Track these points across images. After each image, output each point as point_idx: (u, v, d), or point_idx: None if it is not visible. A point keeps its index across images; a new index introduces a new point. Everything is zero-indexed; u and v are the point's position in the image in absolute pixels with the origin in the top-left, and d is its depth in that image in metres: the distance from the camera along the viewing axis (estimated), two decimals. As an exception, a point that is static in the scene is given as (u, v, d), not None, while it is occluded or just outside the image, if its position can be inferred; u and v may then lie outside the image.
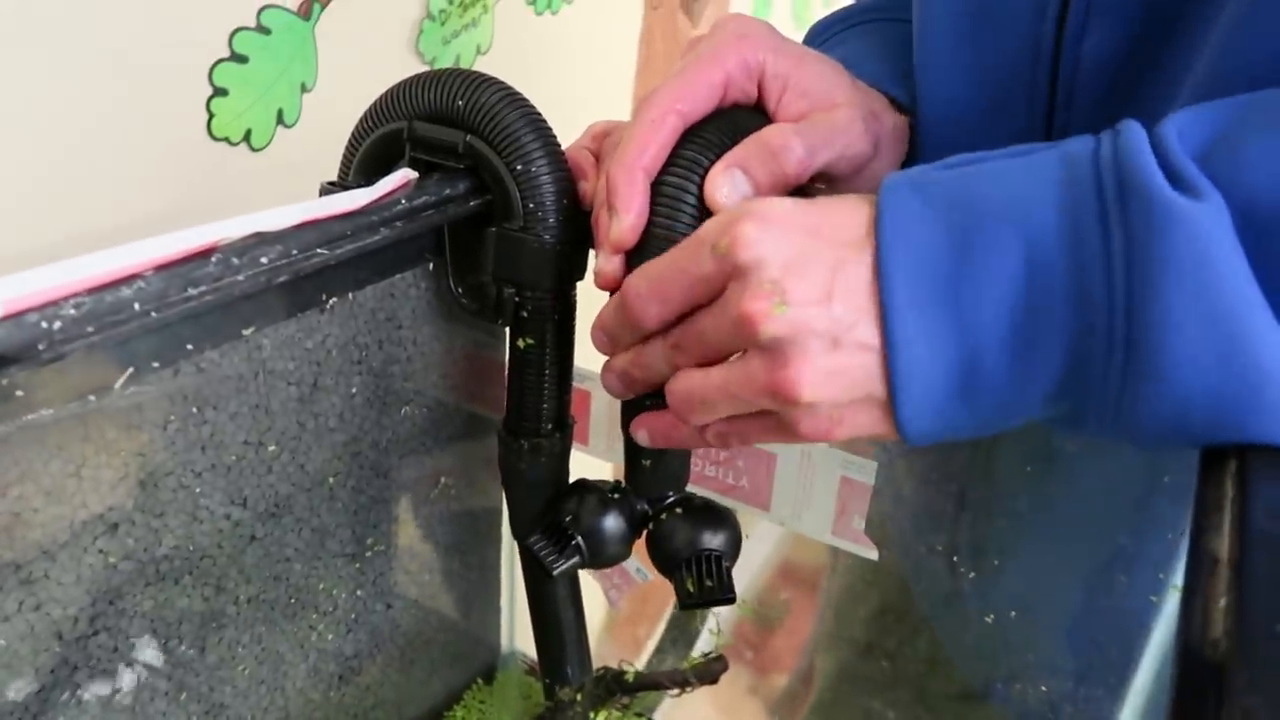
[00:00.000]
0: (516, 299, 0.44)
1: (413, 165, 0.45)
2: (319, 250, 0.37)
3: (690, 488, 0.51)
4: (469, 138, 0.43)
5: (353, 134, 0.46)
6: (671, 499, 0.44)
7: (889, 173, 0.35)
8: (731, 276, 0.35)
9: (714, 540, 0.42)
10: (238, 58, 0.64)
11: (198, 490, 0.39)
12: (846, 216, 0.34)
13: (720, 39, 0.43)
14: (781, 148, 0.39)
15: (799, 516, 0.48)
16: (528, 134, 0.42)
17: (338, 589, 0.47)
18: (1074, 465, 0.47)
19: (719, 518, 0.43)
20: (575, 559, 0.43)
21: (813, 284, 0.33)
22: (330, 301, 0.41)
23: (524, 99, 0.44)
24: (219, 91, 0.63)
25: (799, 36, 0.55)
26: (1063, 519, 0.50)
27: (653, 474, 0.44)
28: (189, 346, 0.36)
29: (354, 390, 0.44)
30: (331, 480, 0.44)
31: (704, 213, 0.39)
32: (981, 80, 0.45)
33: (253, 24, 0.64)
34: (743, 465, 0.48)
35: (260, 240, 0.35)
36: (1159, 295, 0.29)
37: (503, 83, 0.44)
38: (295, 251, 0.37)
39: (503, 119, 0.42)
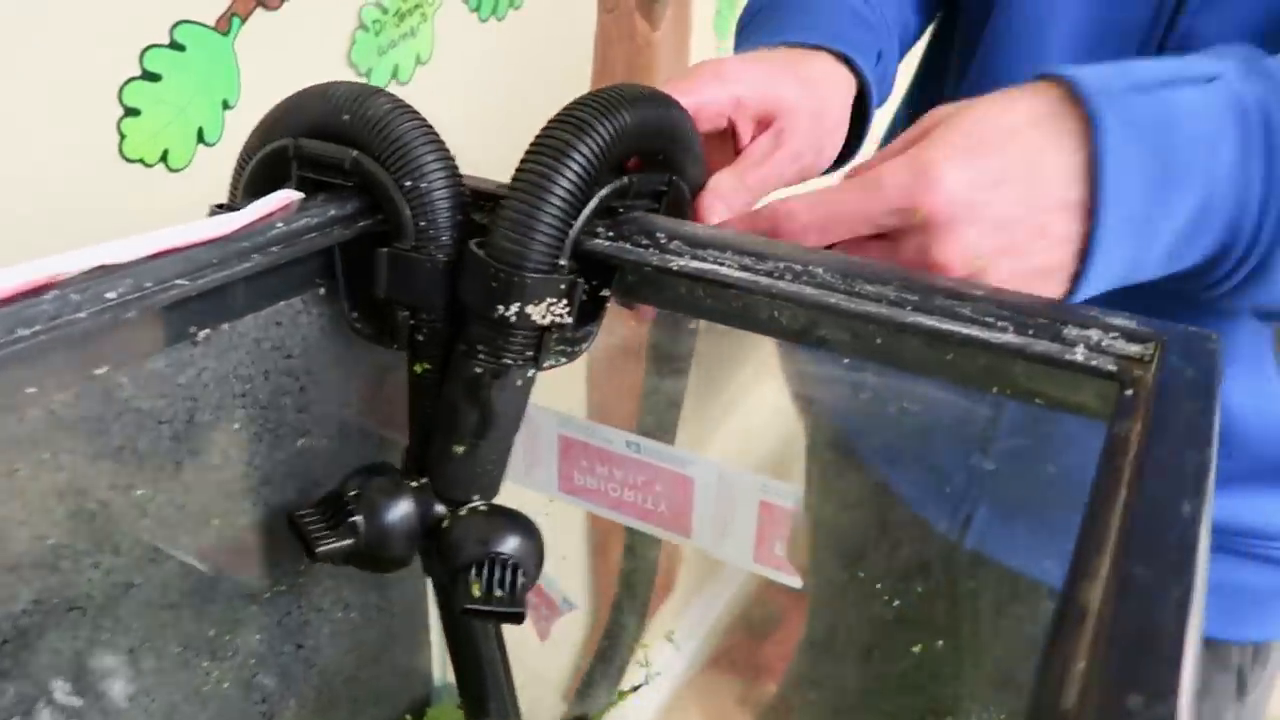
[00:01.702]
0: (411, 322, 0.42)
1: (300, 185, 0.42)
2: (178, 281, 0.35)
3: (607, 514, 0.49)
4: (356, 154, 0.40)
5: (240, 153, 0.44)
6: (475, 503, 0.41)
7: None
8: (920, 231, 0.37)
9: (511, 546, 0.38)
10: (149, 75, 0.62)
11: (53, 540, 0.36)
12: (1053, 168, 0.36)
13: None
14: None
15: (720, 543, 0.45)
16: (418, 148, 0.40)
17: (236, 634, 0.45)
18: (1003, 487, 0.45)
19: (522, 526, 0.40)
20: (348, 541, 0.38)
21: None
22: (200, 334, 0.38)
23: (414, 111, 0.41)
24: (130, 111, 0.61)
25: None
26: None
27: (460, 470, 0.40)
28: (30, 390, 0.33)
29: (237, 425, 0.42)
30: (217, 520, 0.42)
31: None
32: None
33: (165, 40, 0.62)
34: (660, 490, 0.46)
35: (105, 273, 0.33)
36: None
37: (392, 95, 0.41)
38: (149, 284, 0.34)
39: (391, 132, 0.40)
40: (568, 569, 0.52)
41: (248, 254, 0.38)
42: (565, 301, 0.38)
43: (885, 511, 0.52)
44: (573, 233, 0.38)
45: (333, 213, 0.41)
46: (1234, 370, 0.48)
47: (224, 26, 0.66)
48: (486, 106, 0.93)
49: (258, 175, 0.43)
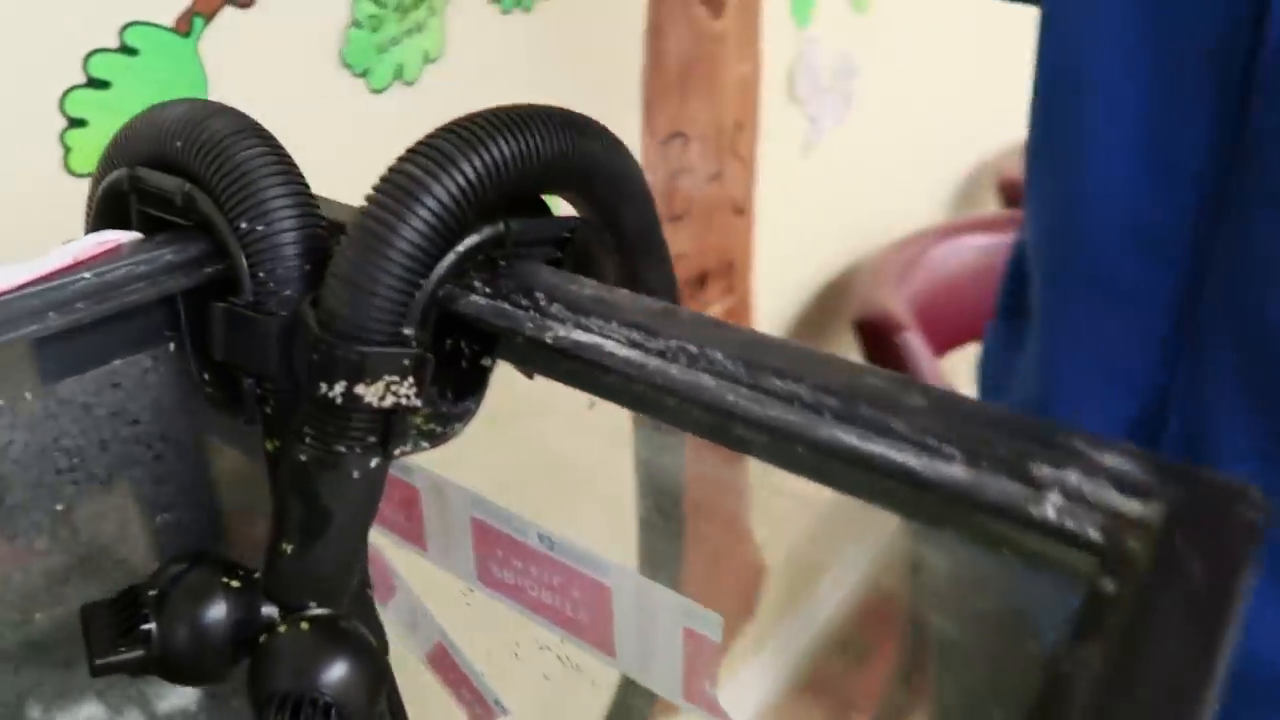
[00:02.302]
0: (258, 391, 0.35)
1: (142, 223, 0.36)
2: (-67, 350, 0.29)
3: (528, 615, 0.41)
4: (188, 187, 0.34)
5: (90, 184, 0.38)
6: (312, 611, 0.33)
7: None
8: None
9: (334, 677, 0.30)
10: (96, 83, 0.57)
11: None
12: None
13: None
14: None
15: (646, 668, 0.37)
16: (258, 180, 0.33)
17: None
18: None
19: (355, 649, 0.31)
20: (136, 653, 0.31)
21: None
22: (-8, 406, 0.32)
23: (262, 134, 0.34)
24: (75, 122, 0.57)
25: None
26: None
27: (288, 571, 0.32)
28: None
29: (62, 506, 0.36)
30: (39, 615, 0.36)
31: None
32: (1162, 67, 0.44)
33: (114, 44, 0.57)
34: (579, 596, 0.38)
35: None
36: None
37: (239, 115, 0.34)
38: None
39: (226, 162, 0.33)
40: (507, 664, 0.44)
41: (39, 313, 0.31)
42: (411, 380, 0.31)
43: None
44: (421, 295, 0.30)
45: (169, 258, 0.34)
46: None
47: (184, 28, 0.60)
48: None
49: (102, 212, 0.37)
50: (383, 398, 0.30)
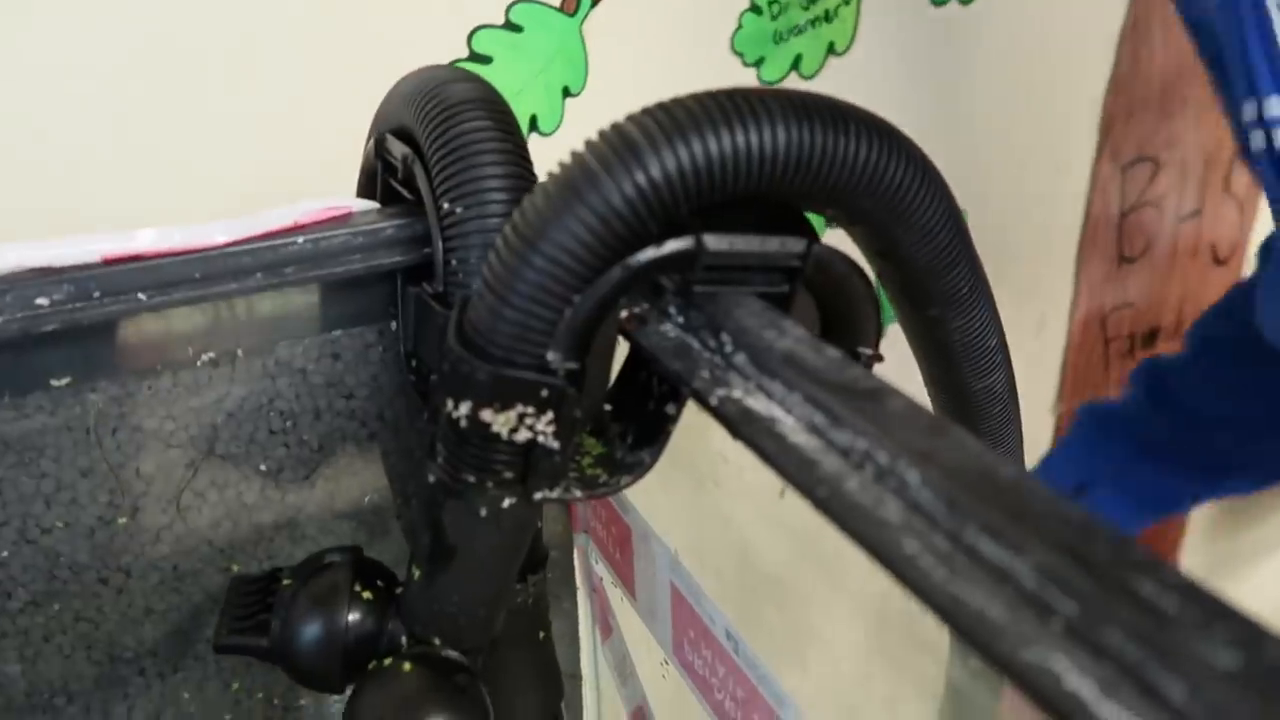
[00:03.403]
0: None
1: (385, 194, 0.34)
2: (138, 295, 0.29)
3: (711, 717, 0.33)
4: (408, 155, 0.31)
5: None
6: (428, 650, 0.28)
7: None
8: None
9: None
10: (478, 58, 0.58)
11: (45, 544, 0.33)
12: None
13: None
14: None
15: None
16: (470, 159, 0.29)
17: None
18: None
19: (451, 711, 0.26)
20: (258, 641, 0.29)
21: None
22: (204, 356, 0.32)
23: (494, 107, 0.30)
24: (454, 93, 0.58)
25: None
26: None
27: (414, 599, 0.28)
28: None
29: (270, 466, 0.35)
30: (237, 567, 0.36)
31: None
32: None
33: (499, 20, 0.58)
34: (741, 694, 0.29)
35: (40, 276, 0.28)
36: None
37: (480, 83, 0.31)
38: (97, 294, 0.29)
39: (445, 133, 0.29)
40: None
41: (249, 271, 0.30)
42: (551, 417, 0.25)
43: None
44: (572, 315, 0.24)
45: (390, 232, 0.32)
46: None
47: (570, 8, 0.60)
48: (921, 114, 0.75)
49: (362, 179, 0.36)
50: (514, 430, 0.25)
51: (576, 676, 0.44)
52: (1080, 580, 0.15)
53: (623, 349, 0.28)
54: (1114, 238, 0.94)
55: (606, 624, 0.42)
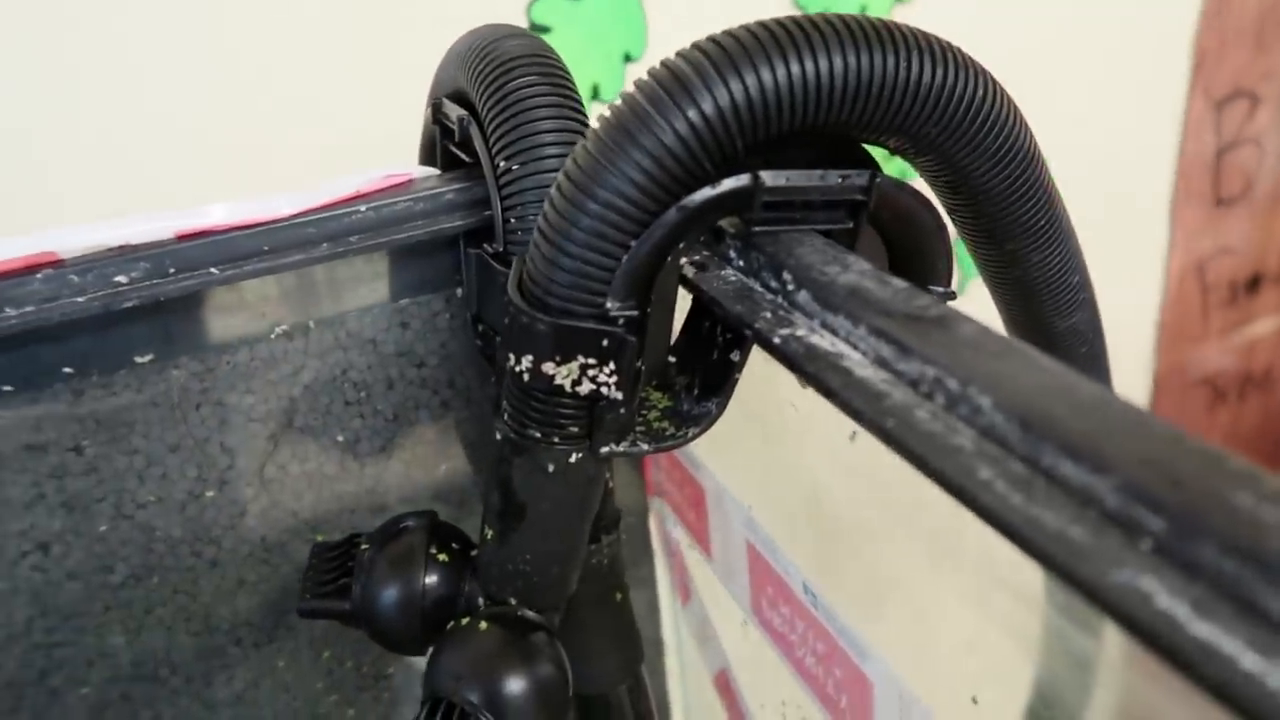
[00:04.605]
0: (507, 355, 0.31)
1: (445, 159, 0.34)
2: (211, 270, 0.30)
3: (792, 676, 0.32)
4: (464, 117, 0.31)
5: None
6: (505, 610, 0.28)
7: None
8: None
9: (494, 690, 0.26)
10: (536, 28, 0.58)
11: (140, 519, 0.35)
12: None
13: None
14: None
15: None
16: (525, 114, 0.29)
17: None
18: None
19: (530, 669, 0.26)
20: (341, 604, 0.30)
21: None
22: (277, 329, 0.33)
23: (546, 62, 0.30)
24: (515, 67, 0.59)
25: None
26: None
27: (488, 558, 0.28)
28: (65, 370, 0.31)
29: (347, 436, 0.36)
30: (321, 537, 0.37)
31: None
32: None
33: (557, -10, 0.58)
34: (840, 676, 0.28)
35: (117, 254, 0.29)
36: None
37: (532, 39, 0.31)
38: (172, 269, 0.30)
39: (498, 90, 0.29)
40: None
41: (314, 241, 0.31)
42: (612, 367, 0.24)
43: None
44: (631, 261, 0.23)
45: (450, 197, 0.32)
46: None
47: (626, -29, 0.59)
48: (998, 57, 0.72)
49: (424, 145, 0.36)
50: (577, 382, 0.25)
51: (659, 642, 0.44)
52: (1169, 496, 0.14)
53: (685, 302, 0.28)
54: (1210, 179, 0.90)
55: (686, 588, 0.41)
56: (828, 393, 0.20)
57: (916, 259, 0.27)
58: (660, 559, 0.42)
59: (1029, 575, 0.20)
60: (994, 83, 0.25)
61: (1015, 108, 0.26)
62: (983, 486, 0.16)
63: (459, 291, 0.35)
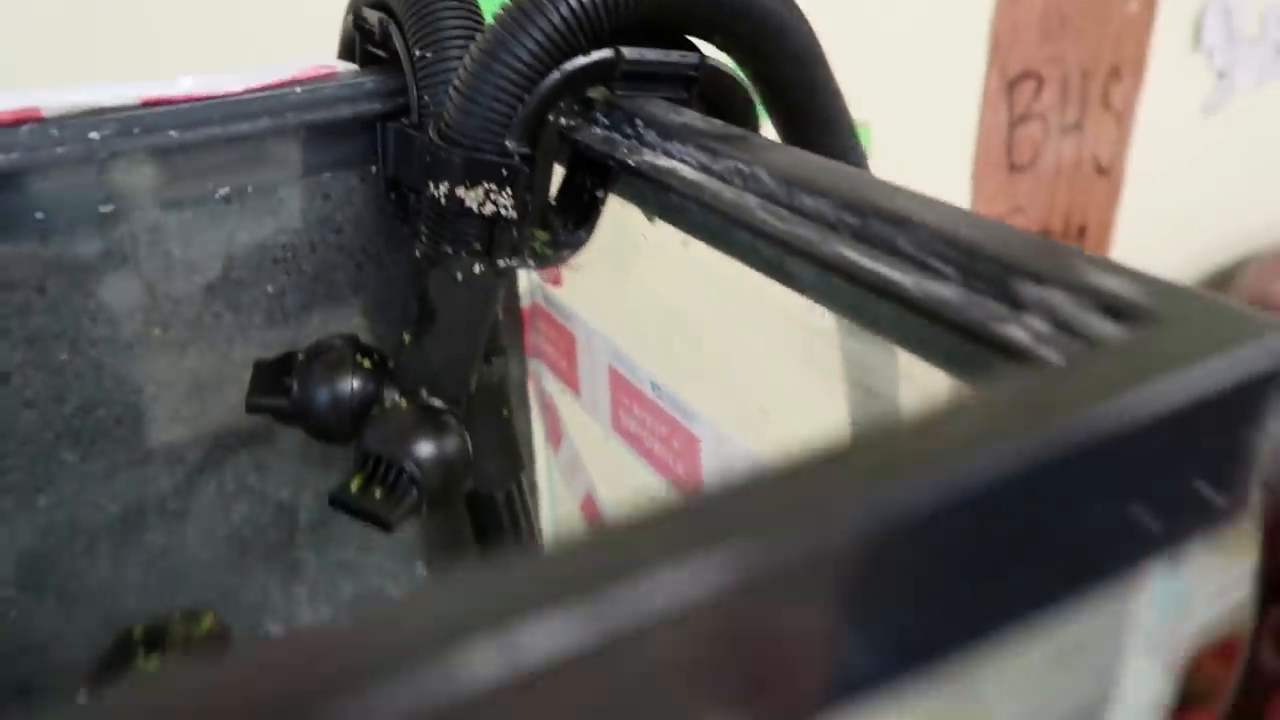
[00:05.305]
0: (416, 205, 0.39)
1: (363, 59, 0.41)
2: (170, 133, 0.36)
3: (645, 469, 0.42)
4: (386, 21, 0.38)
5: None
6: (420, 400, 0.36)
7: None
8: None
9: (415, 453, 0.34)
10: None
11: (93, 356, 0.40)
12: None
13: None
14: None
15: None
16: (437, 14, 0.37)
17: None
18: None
19: (442, 437, 0.34)
20: (280, 401, 0.37)
21: None
22: (220, 191, 0.40)
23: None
24: None
25: None
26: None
27: (405, 359, 0.36)
28: (37, 215, 0.37)
29: (275, 289, 0.43)
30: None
31: None
32: None
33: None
34: (677, 447, 0.38)
35: (90, 115, 0.35)
36: None
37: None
38: (137, 130, 0.36)
39: (415, -1, 0.37)
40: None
41: (256, 115, 0.38)
42: (509, 191, 0.33)
43: None
44: (524, 110, 0.32)
45: (369, 86, 0.39)
46: None
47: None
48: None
49: (343, 49, 0.43)
50: (482, 204, 0.33)
51: (533, 485, 0.52)
52: (859, 205, 0.24)
53: (559, 175, 0.36)
54: (1004, 149, 1.05)
55: (558, 432, 0.50)
56: (667, 190, 0.29)
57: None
58: (536, 413, 0.51)
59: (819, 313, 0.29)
60: (792, 3, 0.35)
61: (808, 22, 0.36)
62: (760, 221, 0.26)
63: (374, 169, 0.42)
